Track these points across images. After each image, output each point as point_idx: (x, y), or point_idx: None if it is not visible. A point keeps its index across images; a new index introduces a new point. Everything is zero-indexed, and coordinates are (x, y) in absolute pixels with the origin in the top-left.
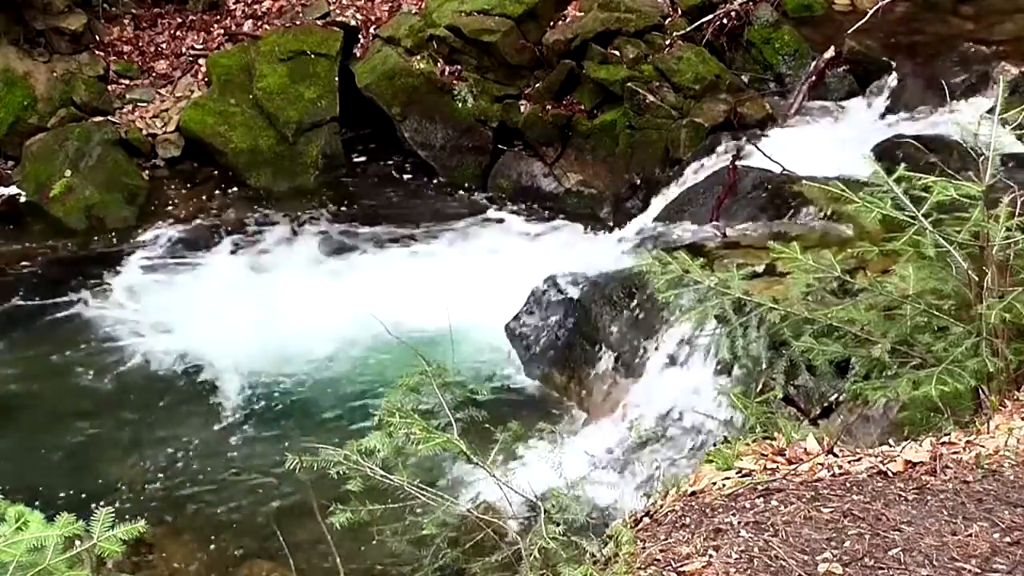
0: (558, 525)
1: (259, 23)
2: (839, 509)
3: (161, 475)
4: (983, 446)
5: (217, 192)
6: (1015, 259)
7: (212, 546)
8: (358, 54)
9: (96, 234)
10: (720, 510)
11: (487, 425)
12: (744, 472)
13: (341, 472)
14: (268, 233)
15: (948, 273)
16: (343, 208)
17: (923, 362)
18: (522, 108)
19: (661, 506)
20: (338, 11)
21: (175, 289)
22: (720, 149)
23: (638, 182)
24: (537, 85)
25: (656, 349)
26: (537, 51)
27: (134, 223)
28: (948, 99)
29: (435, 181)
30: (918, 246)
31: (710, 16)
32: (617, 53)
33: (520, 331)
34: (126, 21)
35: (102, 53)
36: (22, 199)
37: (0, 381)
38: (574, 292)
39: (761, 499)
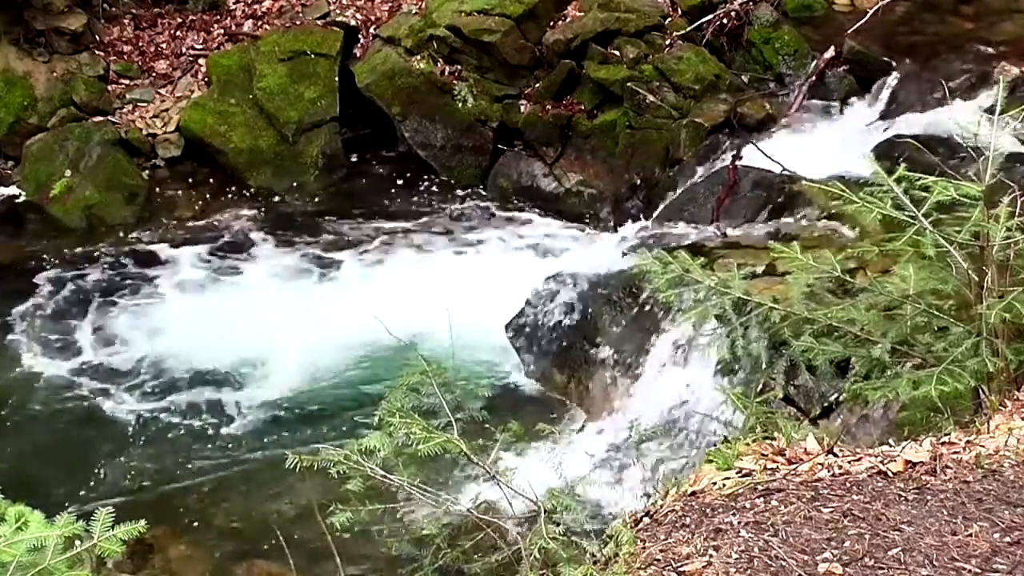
0: (558, 525)
1: (259, 23)
2: (839, 509)
3: (162, 475)
4: (983, 446)
5: (217, 192)
6: (1015, 259)
7: (212, 547)
8: (358, 54)
9: (96, 234)
10: (720, 510)
11: (487, 425)
12: (744, 472)
13: (341, 472)
14: (268, 233)
15: (948, 273)
16: (343, 208)
17: (923, 362)
18: (522, 108)
19: (661, 506)
20: (338, 11)
21: (173, 289)
22: (720, 149)
23: (638, 182)
24: (537, 85)
25: (656, 349)
26: (537, 51)
27: (134, 223)
28: (948, 99)
29: (435, 181)
30: (918, 246)
31: (710, 16)
32: (617, 53)
33: (520, 331)
34: (126, 21)
35: (102, 53)
36: (22, 199)
37: (0, 381)
38: (574, 292)
39: (761, 499)
